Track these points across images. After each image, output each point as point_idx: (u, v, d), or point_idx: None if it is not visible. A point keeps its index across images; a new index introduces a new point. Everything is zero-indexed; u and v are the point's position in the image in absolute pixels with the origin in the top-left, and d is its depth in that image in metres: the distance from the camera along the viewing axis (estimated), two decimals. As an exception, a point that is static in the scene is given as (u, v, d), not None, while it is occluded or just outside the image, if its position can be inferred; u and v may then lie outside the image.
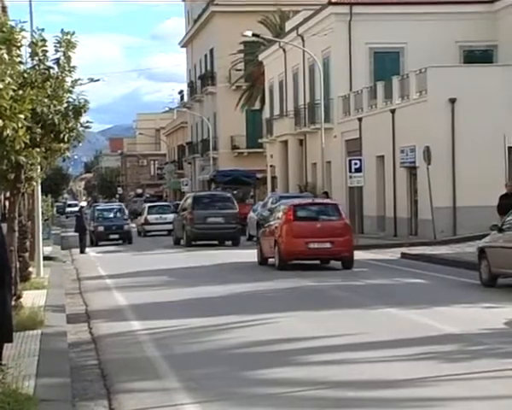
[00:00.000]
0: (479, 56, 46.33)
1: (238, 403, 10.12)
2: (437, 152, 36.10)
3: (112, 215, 48.28)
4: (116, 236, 46.06)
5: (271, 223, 29.39)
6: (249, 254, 31.34)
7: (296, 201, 31.79)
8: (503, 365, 11.76)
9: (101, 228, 46.00)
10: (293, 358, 12.75)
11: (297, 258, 27.42)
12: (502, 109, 35.76)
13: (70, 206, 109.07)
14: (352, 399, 10.14)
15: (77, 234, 40.93)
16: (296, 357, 12.81)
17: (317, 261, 28.28)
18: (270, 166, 60.49)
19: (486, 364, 11.88)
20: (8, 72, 9.63)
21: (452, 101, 37.24)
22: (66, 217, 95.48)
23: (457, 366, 11.77)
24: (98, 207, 52.62)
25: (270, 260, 28.58)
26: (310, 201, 32.03)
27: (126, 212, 50.86)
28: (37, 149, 14.50)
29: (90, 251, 40.32)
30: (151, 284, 24.23)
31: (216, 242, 41.76)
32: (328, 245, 27.03)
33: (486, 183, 34.86)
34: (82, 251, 38.92)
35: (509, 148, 33.39)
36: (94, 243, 44.55)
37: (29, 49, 12.97)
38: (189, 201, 43.82)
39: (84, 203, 68.85)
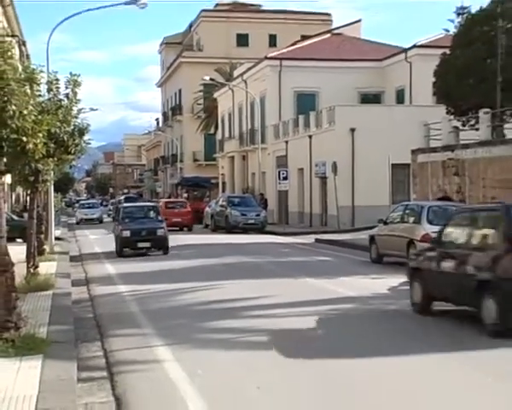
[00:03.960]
0: (371, 99, 46.79)
1: (197, 345, 10.11)
2: (341, 166, 36.37)
3: (142, 216, 27.27)
4: (147, 243, 25.25)
5: None
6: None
7: (167, 199, 48.47)
8: (386, 318, 11.91)
9: (126, 233, 25.07)
10: (238, 313, 12.76)
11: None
12: (387, 137, 36.04)
13: (78, 201, 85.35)
14: (282, 343, 10.18)
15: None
16: (239, 312, 12.84)
17: (177, 228, 38.44)
18: (221, 174, 60.44)
19: (374, 318, 12.03)
20: (31, 102, 9.50)
21: (352, 130, 37.52)
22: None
23: (354, 321, 11.89)
24: (125, 206, 30.63)
25: None
26: (173, 200, 48.05)
27: (160, 212, 28.78)
28: (51, 159, 14.34)
29: (90, 234, 39.72)
30: (133, 259, 24.04)
31: None
32: (180, 220, 39.33)
33: (376, 189, 35.22)
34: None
35: (392, 164, 33.73)
36: (118, 253, 25.20)
37: (46, 86, 12.77)
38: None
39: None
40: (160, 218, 26.94)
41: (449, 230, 12.24)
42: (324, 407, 7.15)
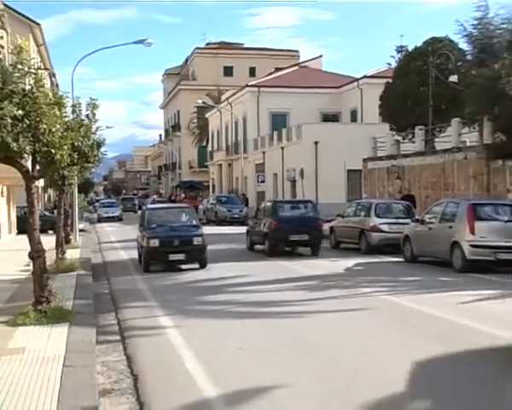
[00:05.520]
0: (330, 118, 46.90)
1: (192, 315, 10.12)
2: (307, 172, 36.46)
3: (173, 219, 16.95)
4: (180, 256, 15.73)
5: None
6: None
7: (157, 198, 49.35)
8: (343, 292, 12.01)
9: (154, 242, 15.66)
10: (224, 289, 12.80)
11: None
12: (343, 148, 36.18)
13: (98, 201, 77.89)
14: (258, 312, 10.22)
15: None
16: (226, 288, 12.87)
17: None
18: (212, 178, 60.34)
19: (334, 292, 12.10)
20: (58, 121, 9.47)
21: (316, 143, 37.62)
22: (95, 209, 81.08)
23: (317, 293, 11.94)
24: (151, 208, 18.96)
25: None
26: (161, 199, 49.74)
27: (197, 217, 18.39)
28: (75, 167, 14.24)
29: (107, 226, 39.42)
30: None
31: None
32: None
33: (335, 190, 35.43)
34: None
35: (348, 170, 33.91)
36: (144, 267, 16.02)
37: (71, 109, 12.68)
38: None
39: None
40: (195, 222, 17.07)
41: (259, 211, 20.96)
42: (288, 358, 7.20)
